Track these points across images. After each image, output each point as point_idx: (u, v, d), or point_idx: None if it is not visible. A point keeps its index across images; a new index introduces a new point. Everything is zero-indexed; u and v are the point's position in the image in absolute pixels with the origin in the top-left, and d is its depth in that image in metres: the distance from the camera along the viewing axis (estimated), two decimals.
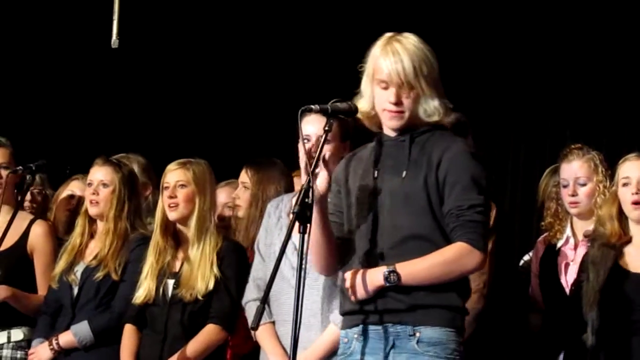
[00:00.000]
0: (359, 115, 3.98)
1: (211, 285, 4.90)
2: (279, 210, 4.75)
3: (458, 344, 3.81)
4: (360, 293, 3.83)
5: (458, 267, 3.78)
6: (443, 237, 3.81)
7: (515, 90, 7.29)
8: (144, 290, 5.00)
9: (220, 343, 4.95)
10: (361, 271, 3.83)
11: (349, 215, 3.97)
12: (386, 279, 3.77)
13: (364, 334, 3.87)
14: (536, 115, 7.43)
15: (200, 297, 4.90)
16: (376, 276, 3.79)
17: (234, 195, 5.53)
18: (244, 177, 5.50)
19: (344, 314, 3.97)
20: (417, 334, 3.78)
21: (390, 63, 3.85)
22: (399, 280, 3.76)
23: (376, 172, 3.92)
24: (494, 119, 7.16)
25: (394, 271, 3.76)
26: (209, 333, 4.92)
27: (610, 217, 4.70)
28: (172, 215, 5.02)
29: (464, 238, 3.77)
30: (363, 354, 3.87)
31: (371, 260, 3.85)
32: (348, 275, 3.87)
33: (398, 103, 3.87)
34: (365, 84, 3.95)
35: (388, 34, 3.94)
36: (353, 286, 3.84)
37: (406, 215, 3.82)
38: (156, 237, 5.05)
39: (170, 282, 4.99)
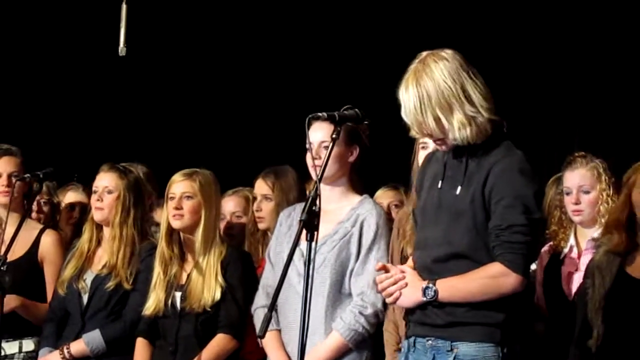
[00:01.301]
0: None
1: (218, 296, 4.91)
2: (291, 219, 4.77)
3: (497, 358, 3.84)
4: (402, 302, 3.94)
5: (494, 288, 3.82)
6: (488, 255, 3.84)
7: (523, 99, 7.28)
8: (153, 301, 5.00)
9: (231, 352, 4.95)
10: (405, 280, 3.91)
11: (417, 217, 4.07)
12: (424, 293, 3.85)
13: (413, 344, 3.96)
14: (544, 125, 7.42)
15: (208, 308, 4.91)
16: (417, 289, 3.87)
17: (256, 208, 5.48)
18: (264, 188, 5.45)
19: (407, 321, 4.06)
20: (455, 350, 3.85)
21: (403, 107, 3.89)
22: (436, 296, 3.83)
23: (440, 182, 3.96)
24: None
25: (433, 287, 3.84)
26: (219, 343, 4.93)
27: (618, 224, 4.68)
28: (176, 224, 5.01)
29: (501, 259, 3.81)
30: None
31: (421, 270, 3.93)
32: (393, 271, 3.95)
33: (430, 136, 3.92)
34: None
35: (422, 55, 3.93)
36: (402, 293, 3.92)
37: (456, 232, 3.86)
38: (161, 247, 5.05)
39: (178, 295, 5.00)
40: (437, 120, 3.84)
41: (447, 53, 3.91)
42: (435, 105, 3.83)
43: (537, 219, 3.86)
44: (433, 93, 3.83)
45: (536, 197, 3.85)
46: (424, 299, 3.86)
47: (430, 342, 3.90)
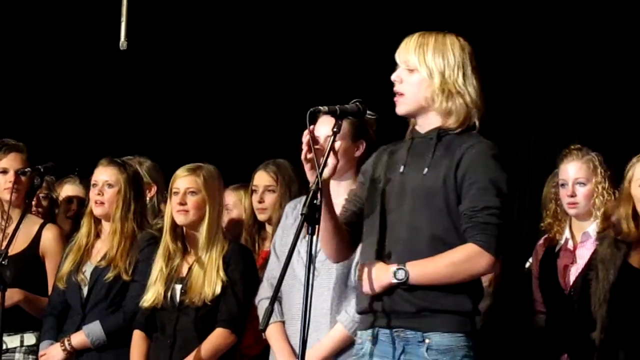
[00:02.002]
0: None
1: (218, 290, 4.91)
2: (297, 211, 4.75)
3: (468, 348, 3.78)
4: (369, 289, 3.82)
5: (466, 269, 3.74)
6: (459, 239, 3.77)
7: (523, 94, 7.29)
8: (152, 294, 5.01)
9: (229, 347, 4.96)
10: (373, 266, 3.82)
11: (370, 205, 3.95)
12: (394, 275, 3.75)
13: (376, 336, 3.86)
14: (545, 120, 7.43)
15: (207, 302, 4.91)
16: (385, 273, 3.78)
17: (258, 200, 5.47)
18: (267, 179, 5.46)
19: (359, 312, 3.95)
20: (427, 341, 3.76)
21: (404, 45, 3.95)
22: (407, 279, 3.75)
23: (402, 167, 3.90)
24: (502, 123, 7.16)
25: (403, 269, 3.75)
26: (217, 337, 4.93)
27: (627, 217, 4.66)
28: (181, 220, 5.02)
29: (474, 240, 3.74)
30: (373, 356, 3.86)
31: (387, 256, 3.83)
32: (364, 268, 3.86)
33: (397, 82, 3.95)
34: None
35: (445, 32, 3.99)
36: (364, 279, 3.84)
37: (425, 215, 3.80)
38: (166, 242, 5.05)
39: (178, 287, 5.00)
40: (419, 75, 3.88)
41: (464, 42, 3.95)
42: (429, 64, 3.87)
43: (509, 204, 3.81)
44: (430, 57, 3.87)
45: (507, 183, 3.82)
46: (395, 281, 3.75)
47: (397, 333, 3.81)
